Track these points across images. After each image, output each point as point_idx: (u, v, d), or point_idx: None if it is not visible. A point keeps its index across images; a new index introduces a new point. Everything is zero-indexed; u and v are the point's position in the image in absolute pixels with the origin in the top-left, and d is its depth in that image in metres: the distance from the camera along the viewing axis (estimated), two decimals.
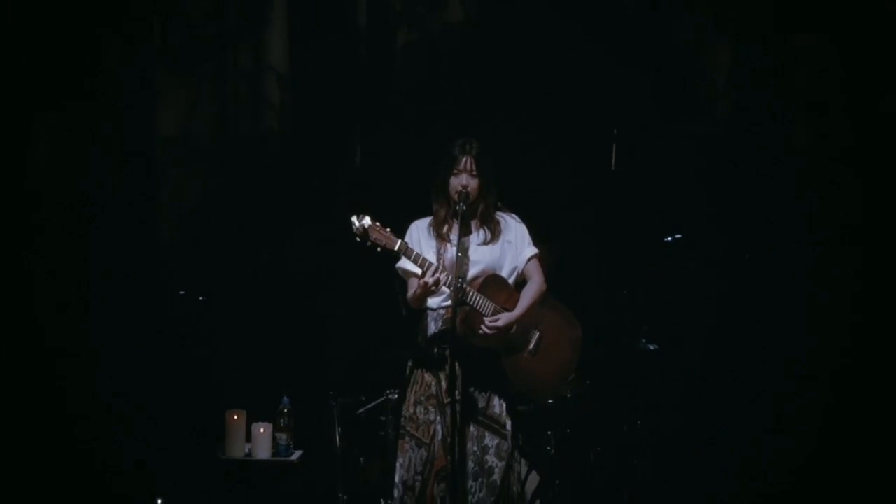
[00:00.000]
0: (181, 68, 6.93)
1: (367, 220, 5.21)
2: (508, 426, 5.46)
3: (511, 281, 5.54)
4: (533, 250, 5.58)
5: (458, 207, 5.33)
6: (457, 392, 5.31)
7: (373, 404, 6.45)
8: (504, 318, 5.38)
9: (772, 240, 6.78)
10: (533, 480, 6.30)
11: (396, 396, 6.19)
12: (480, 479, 5.40)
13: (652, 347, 6.55)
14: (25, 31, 6.40)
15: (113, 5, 6.64)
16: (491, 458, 5.41)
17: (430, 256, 5.39)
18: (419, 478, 5.43)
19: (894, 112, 6.55)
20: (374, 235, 5.22)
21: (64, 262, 6.54)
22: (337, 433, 6.43)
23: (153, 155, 6.91)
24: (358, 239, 5.24)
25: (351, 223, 5.25)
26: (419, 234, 5.54)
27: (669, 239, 6.68)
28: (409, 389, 5.56)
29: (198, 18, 6.93)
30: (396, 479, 5.52)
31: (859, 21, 6.54)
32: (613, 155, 6.75)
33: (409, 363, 5.59)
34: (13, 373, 6.24)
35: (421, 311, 5.56)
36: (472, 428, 5.41)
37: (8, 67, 6.33)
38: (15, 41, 6.37)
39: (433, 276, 5.26)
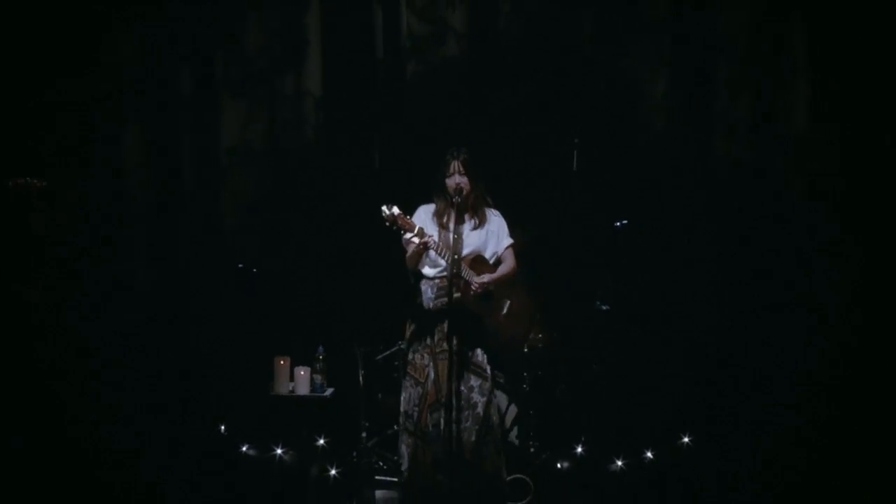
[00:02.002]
0: (239, 92, 7.34)
1: (395, 210, 5.76)
2: (488, 371, 6.02)
3: (491, 262, 6.15)
4: (509, 241, 6.15)
5: (454, 200, 5.94)
6: (444, 344, 5.86)
7: (388, 352, 6.98)
8: (487, 277, 5.99)
9: (699, 225, 7.24)
10: (512, 411, 6.95)
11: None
12: (467, 412, 5.91)
13: (605, 308, 7.08)
14: (121, 68, 6.95)
15: (186, 44, 7.19)
16: (475, 396, 5.97)
17: (434, 237, 5.88)
18: (416, 409, 5.98)
19: (789, 132, 7.10)
20: (400, 222, 5.76)
21: (151, 242, 7.09)
22: (360, 375, 6.87)
23: (218, 160, 7.34)
24: (387, 224, 5.74)
25: (381, 211, 5.74)
26: (426, 216, 6.07)
27: (618, 224, 7.19)
28: (409, 340, 6.09)
29: (252, 54, 7.33)
30: (401, 409, 6.10)
31: (766, 59, 7.10)
32: (575, 159, 7.20)
33: (408, 320, 6.10)
34: (111, 319, 6.66)
35: (418, 280, 6.06)
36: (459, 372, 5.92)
37: (111, 93, 6.86)
38: (111, 75, 6.89)
39: (423, 239, 5.76)
